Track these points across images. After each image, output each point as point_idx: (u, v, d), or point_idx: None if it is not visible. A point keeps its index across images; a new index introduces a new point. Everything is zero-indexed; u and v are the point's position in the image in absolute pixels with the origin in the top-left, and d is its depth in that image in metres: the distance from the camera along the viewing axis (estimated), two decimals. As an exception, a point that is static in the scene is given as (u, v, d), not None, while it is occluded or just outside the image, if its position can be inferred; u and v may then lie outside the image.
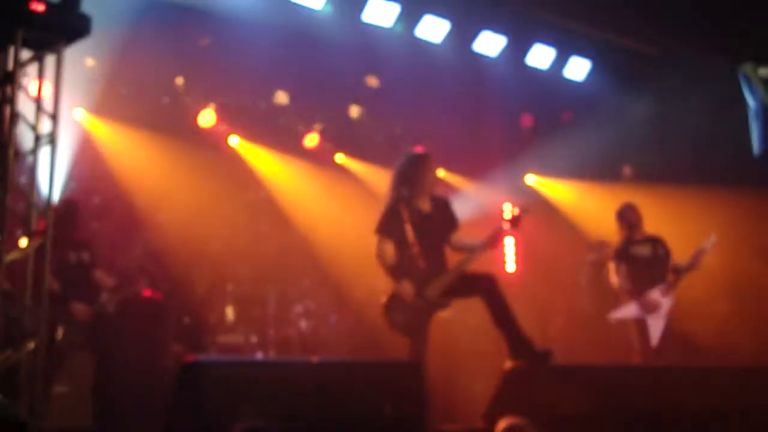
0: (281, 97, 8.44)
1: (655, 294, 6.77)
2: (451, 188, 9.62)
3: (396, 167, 5.74)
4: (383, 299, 5.59)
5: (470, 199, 9.13)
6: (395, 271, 5.52)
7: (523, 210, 5.63)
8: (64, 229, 5.83)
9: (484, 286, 5.40)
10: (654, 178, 8.79)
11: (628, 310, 6.88)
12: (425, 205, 5.66)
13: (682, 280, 6.82)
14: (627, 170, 9.59)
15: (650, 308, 6.75)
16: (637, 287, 6.86)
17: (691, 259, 6.80)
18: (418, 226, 5.49)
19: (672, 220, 7.15)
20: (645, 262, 6.96)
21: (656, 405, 4.98)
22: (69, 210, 6.34)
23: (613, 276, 7.05)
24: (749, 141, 7.39)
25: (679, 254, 6.93)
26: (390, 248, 5.55)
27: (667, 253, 7.01)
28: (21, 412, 4.11)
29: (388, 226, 5.56)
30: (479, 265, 5.61)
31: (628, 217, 7.13)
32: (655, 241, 7.06)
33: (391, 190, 5.68)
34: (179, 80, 8.04)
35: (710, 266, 7.46)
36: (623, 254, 7.04)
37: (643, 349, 6.78)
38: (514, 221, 5.59)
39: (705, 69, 7.73)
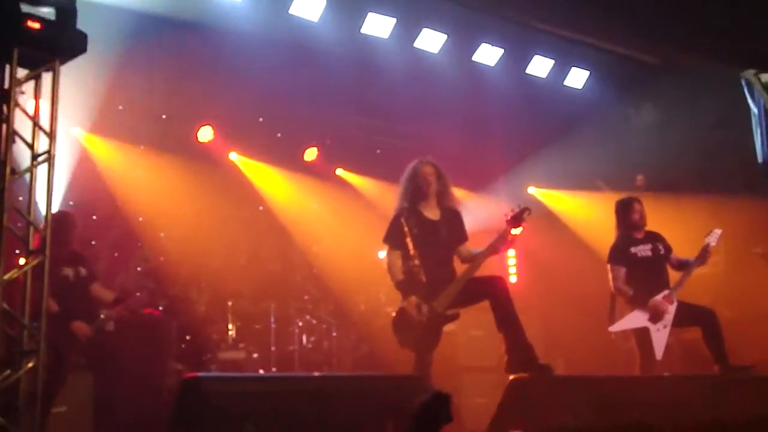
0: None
1: (660, 300, 6.17)
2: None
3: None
4: (392, 315, 5.61)
5: (471, 211, 9.08)
6: (403, 286, 5.52)
7: (523, 209, 5.58)
8: (57, 244, 5.70)
9: (492, 287, 5.43)
10: (658, 186, 8.73)
11: (630, 321, 6.24)
12: (432, 213, 5.68)
13: (689, 279, 6.28)
14: (640, 179, 9.10)
15: (655, 316, 6.13)
16: (639, 292, 6.24)
17: (697, 256, 6.30)
18: (420, 236, 5.50)
19: (677, 229, 7.02)
20: (646, 263, 6.36)
21: (660, 417, 4.92)
22: (60, 223, 6.01)
23: (610, 281, 6.37)
24: (753, 148, 7.36)
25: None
26: (398, 260, 5.57)
27: (668, 251, 6.46)
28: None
29: (393, 236, 5.61)
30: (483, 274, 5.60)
31: (631, 213, 6.47)
32: (655, 239, 6.47)
33: (397, 201, 5.78)
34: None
35: (715, 274, 7.37)
36: (622, 256, 6.39)
37: (645, 362, 6.15)
38: (515, 219, 5.55)
39: (707, 77, 7.69)
